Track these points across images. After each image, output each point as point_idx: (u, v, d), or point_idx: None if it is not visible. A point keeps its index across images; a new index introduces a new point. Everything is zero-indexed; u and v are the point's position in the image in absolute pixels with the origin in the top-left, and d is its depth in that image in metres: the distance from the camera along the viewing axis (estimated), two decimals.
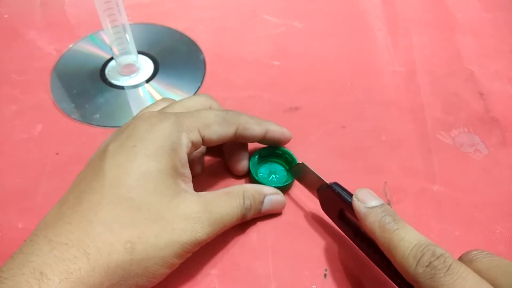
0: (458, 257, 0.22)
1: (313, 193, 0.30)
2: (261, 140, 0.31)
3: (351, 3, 0.50)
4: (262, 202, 0.29)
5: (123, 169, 0.24)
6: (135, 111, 0.39)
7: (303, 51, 0.44)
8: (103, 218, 0.23)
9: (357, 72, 0.42)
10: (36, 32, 0.47)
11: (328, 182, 0.28)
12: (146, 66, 0.42)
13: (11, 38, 0.46)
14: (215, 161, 0.33)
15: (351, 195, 0.26)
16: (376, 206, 0.24)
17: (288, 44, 0.45)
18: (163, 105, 0.31)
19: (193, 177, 0.27)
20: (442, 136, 0.36)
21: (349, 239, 0.28)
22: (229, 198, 0.27)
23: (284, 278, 0.27)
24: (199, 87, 0.40)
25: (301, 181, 0.31)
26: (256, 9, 0.49)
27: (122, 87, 0.40)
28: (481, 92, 0.39)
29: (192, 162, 0.28)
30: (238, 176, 0.33)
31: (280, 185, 0.31)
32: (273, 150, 0.32)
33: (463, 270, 0.19)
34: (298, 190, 0.32)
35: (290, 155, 0.32)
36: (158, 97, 0.39)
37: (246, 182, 0.32)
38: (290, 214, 0.31)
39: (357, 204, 0.24)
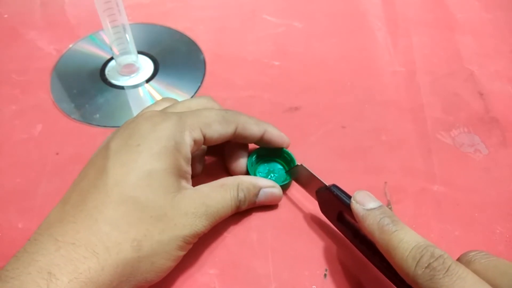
0: (457, 257, 0.22)
1: (312, 195, 0.30)
2: (259, 141, 0.31)
3: (351, 3, 0.50)
4: (256, 195, 0.29)
5: (127, 168, 0.24)
6: (135, 111, 0.39)
7: (303, 51, 0.44)
8: (109, 217, 0.23)
9: (357, 72, 0.42)
10: (36, 32, 0.47)
11: (327, 184, 0.28)
12: (146, 66, 0.42)
13: (11, 38, 0.46)
14: (215, 161, 0.33)
15: (349, 197, 0.26)
16: (374, 208, 0.24)
17: (288, 44, 0.45)
18: (165, 105, 0.31)
19: (193, 176, 0.28)
20: (442, 136, 0.36)
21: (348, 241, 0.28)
22: (224, 191, 0.27)
23: (284, 278, 0.27)
24: (199, 87, 0.40)
25: (299, 182, 0.31)
26: (256, 9, 0.49)
27: (122, 87, 0.40)
28: (481, 92, 0.39)
29: (193, 161, 0.28)
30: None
31: (278, 184, 0.31)
32: (272, 149, 0.32)
33: (462, 271, 0.19)
34: (298, 190, 0.32)
35: (289, 155, 0.32)
36: (158, 97, 0.39)
37: None
38: (290, 214, 0.31)
39: (355, 206, 0.24)
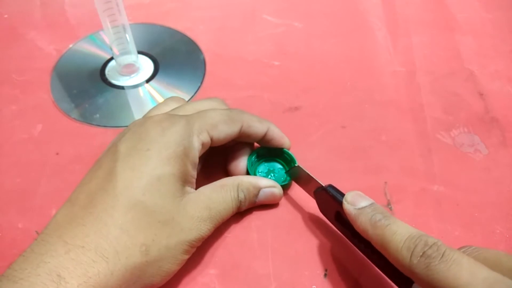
0: None
1: (310, 195, 0.30)
2: (262, 139, 0.31)
3: (351, 3, 0.50)
4: (256, 195, 0.29)
5: (137, 172, 0.24)
6: (135, 111, 0.39)
7: (303, 51, 0.44)
8: (118, 221, 0.23)
9: (357, 72, 0.42)
10: (36, 32, 0.47)
11: (323, 185, 0.28)
12: (146, 66, 0.42)
13: (11, 38, 0.46)
14: (214, 161, 0.33)
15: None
16: (365, 206, 0.24)
17: (288, 44, 0.45)
18: (173, 105, 0.31)
19: None
20: (442, 136, 0.36)
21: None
22: (224, 192, 0.28)
23: (284, 278, 0.27)
24: (199, 87, 0.40)
25: (298, 183, 0.31)
26: (256, 9, 0.49)
27: (122, 87, 0.40)
28: (481, 92, 0.39)
29: None
30: None
31: (279, 184, 0.31)
32: (272, 149, 0.32)
33: (457, 255, 0.19)
34: (299, 189, 0.32)
35: (289, 155, 0.32)
36: (158, 97, 0.39)
37: None
38: (290, 214, 0.31)
39: (347, 207, 0.25)
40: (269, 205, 0.31)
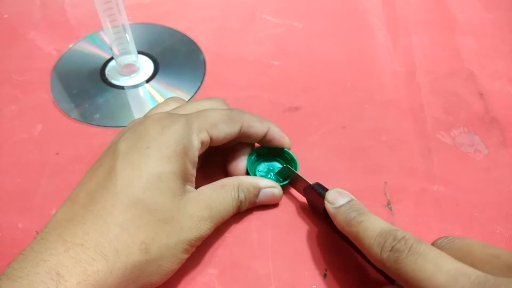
0: None
1: (301, 194, 0.30)
2: (262, 139, 0.31)
3: (351, 3, 0.50)
4: (257, 195, 0.29)
5: (137, 170, 0.24)
6: (135, 111, 0.39)
7: (303, 51, 0.44)
8: (118, 219, 0.23)
9: (357, 72, 0.42)
10: (36, 32, 0.47)
11: (310, 183, 0.28)
12: (146, 66, 0.42)
13: (11, 38, 0.46)
14: (213, 161, 0.33)
15: None
16: (343, 205, 0.25)
17: (288, 44, 0.45)
18: (173, 105, 0.31)
19: None
20: (442, 136, 0.36)
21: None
22: (225, 192, 0.28)
23: (284, 278, 0.27)
24: (199, 87, 0.40)
25: (289, 183, 0.31)
26: (256, 9, 0.49)
27: (122, 87, 0.40)
28: (481, 92, 0.39)
29: None
30: None
31: (278, 184, 0.31)
32: (272, 148, 0.32)
33: (423, 248, 0.20)
34: None
35: (290, 154, 0.32)
36: (158, 97, 0.39)
37: None
38: (291, 214, 0.31)
39: (327, 206, 0.26)
40: (269, 205, 0.31)
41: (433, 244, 0.23)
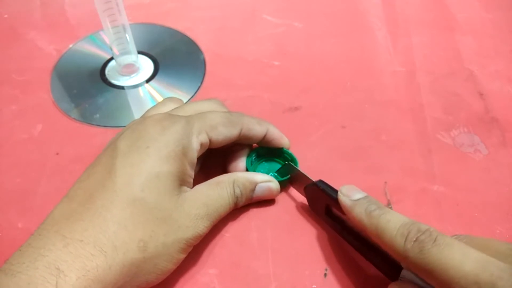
0: None
1: (301, 192, 0.30)
2: (262, 140, 0.31)
3: (351, 3, 0.50)
4: (253, 190, 0.29)
5: (136, 169, 0.24)
6: (135, 111, 0.39)
7: (303, 51, 0.44)
8: (117, 216, 0.23)
9: (357, 72, 0.42)
10: (36, 32, 0.47)
11: (313, 180, 0.28)
12: (146, 66, 0.42)
13: (11, 38, 0.46)
14: (213, 161, 0.33)
15: (336, 191, 0.27)
16: (360, 198, 0.25)
17: (288, 44, 0.45)
18: (171, 105, 0.31)
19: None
20: (442, 136, 0.36)
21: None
22: (220, 188, 0.28)
23: (284, 278, 0.27)
24: (199, 87, 0.40)
25: (289, 181, 0.31)
26: (256, 9, 0.49)
27: (122, 87, 0.40)
28: (481, 92, 0.39)
29: None
30: None
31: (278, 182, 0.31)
32: (271, 148, 0.32)
33: (449, 239, 0.20)
34: None
35: (289, 154, 0.32)
36: (158, 97, 0.39)
37: None
38: (291, 213, 0.31)
39: (343, 198, 0.26)
40: (268, 204, 0.31)
41: None
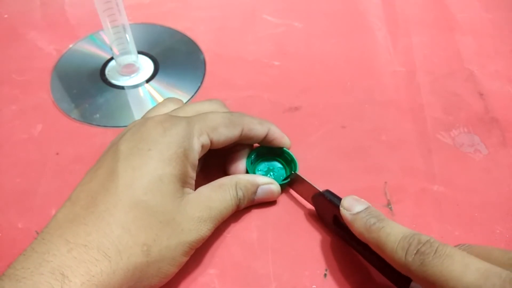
0: None
1: (308, 201, 0.30)
2: (263, 140, 0.31)
3: (351, 3, 0.50)
4: (255, 192, 0.29)
5: (138, 172, 0.24)
6: (135, 111, 0.39)
7: (303, 51, 0.44)
8: (120, 220, 0.23)
9: (357, 72, 0.42)
10: (36, 32, 0.47)
11: (320, 190, 0.28)
12: (146, 66, 0.42)
13: (11, 38, 0.46)
14: (212, 161, 0.33)
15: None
16: (360, 211, 0.25)
17: (288, 44, 0.45)
18: (171, 106, 0.31)
19: None
20: (442, 136, 0.36)
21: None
22: (223, 191, 0.28)
23: (284, 278, 0.27)
24: (199, 87, 0.40)
25: (296, 190, 0.31)
26: (256, 9, 0.49)
27: (122, 87, 0.40)
28: (481, 92, 0.39)
29: None
30: None
31: (278, 183, 0.31)
32: (271, 148, 0.32)
33: (449, 250, 0.20)
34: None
35: (289, 154, 0.32)
36: (158, 97, 0.39)
37: None
38: (291, 214, 0.31)
39: (343, 212, 0.25)
40: (269, 204, 0.31)
41: None
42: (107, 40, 0.43)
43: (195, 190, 0.27)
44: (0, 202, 0.32)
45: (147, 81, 0.41)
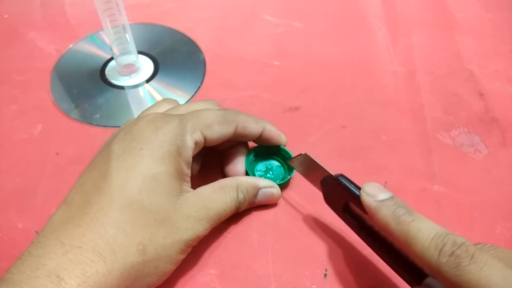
0: None
1: (315, 185, 0.29)
2: (258, 138, 0.31)
3: (351, 3, 0.50)
4: (255, 195, 0.29)
5: (131, 171, 0.24)
6: (135, 111, 0.39)
7: (303, 51, 0.44)
8: (114, 220, 0.23)
9: (357, 72, 0.42)
10: (36, 32, 0.47)
11: (333, 174, 0.27)
12: (146, 66, 0.42)
13: (11, 38, 0.46)
14: (212, 161, 0.33)
15: (358, 188, 0.25)
16: (386, 199, 0.23)
17: (288, 44, 0.45)
18: (166, 106, 0.31)
19: (191, 176, 0.28)
20: (442, 136, 0.36)
21: (348, 238, 0.28)
22: (224, 193, 0.28)
23: (284, 278, 0.27)
24: (199, 87, 0.40)
25: (302, 172, 0.30)
26: (256, 9, 0.49)
27: (122, 87, 0.40)
28: (481, 92, 0.39)
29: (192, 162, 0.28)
30: None
31: (277, 183, 0.31)
32: (269, 147, 0.32)
33: (487, 258, 0.19)
34: (299, 189, 0.32)
35: (287, 152, 0.32)
36: (158, 97, 0.39)
37: None
38: (290, 214, 0.31)
39: (366, 198, 0.24)
40: (269, 205, 0.31)
41: None
42: (107, 40, 0.43)
43: (193, 189, 0.27)
44: (0, 202, 0.32)
45: (147, 81, 0.41)
